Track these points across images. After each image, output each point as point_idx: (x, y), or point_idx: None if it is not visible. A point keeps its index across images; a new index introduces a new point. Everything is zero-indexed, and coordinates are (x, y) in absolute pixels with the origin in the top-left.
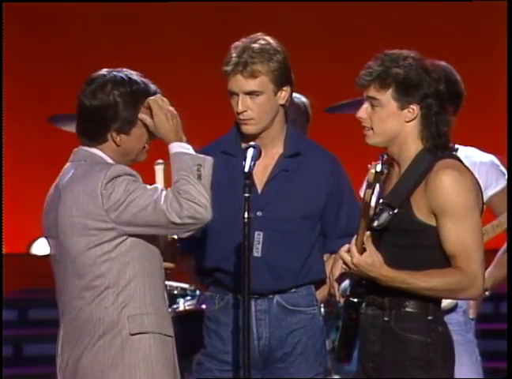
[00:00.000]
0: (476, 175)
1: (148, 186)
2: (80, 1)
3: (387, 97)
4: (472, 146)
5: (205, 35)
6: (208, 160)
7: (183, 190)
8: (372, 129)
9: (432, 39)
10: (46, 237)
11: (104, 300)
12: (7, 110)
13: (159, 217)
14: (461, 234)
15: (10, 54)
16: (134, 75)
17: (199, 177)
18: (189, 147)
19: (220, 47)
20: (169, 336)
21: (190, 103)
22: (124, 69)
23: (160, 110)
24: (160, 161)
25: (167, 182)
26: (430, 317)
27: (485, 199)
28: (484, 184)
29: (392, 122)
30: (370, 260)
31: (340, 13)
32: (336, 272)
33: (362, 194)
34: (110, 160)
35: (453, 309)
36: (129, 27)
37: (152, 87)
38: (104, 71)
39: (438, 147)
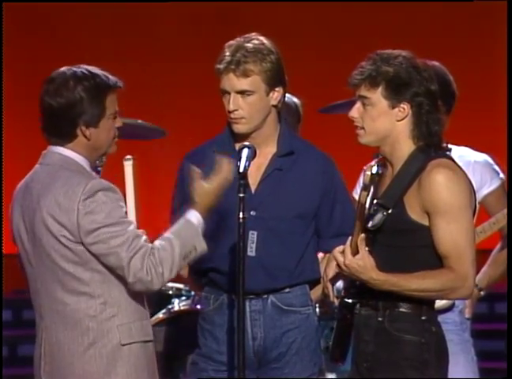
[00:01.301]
0: (471, 175)
1: (126, 220)
2: (80, 2)
3: (377, 96)
4: (471, 146)
5: (204, 35)
6: (203, 248)
7: (160, 257)
8: (364, 128)
9: (432, 39)
10: (16, 238)
11: (91, 309)
12: (7, 110)
13: (117, 266)
14: (453, 233)
15: (10, 54)
16: (94, 69)
17: (185, 257)
18: (201, 221)
19: (219, 47)
20: (150, 341)
21: (190, 102)
22: (82, 65)
23: (221, 182)
24: (128, 157)
25: (136, 178)
26: (424, 317)
27: (479, 198)
28: (479, 183)
29: (383, 121)
30: (362, 262)
31: (335, 14)
32: (330, 273)
33: (355, 195)
34: (84, 161)
35: (449, 308)
36: (129, 27)
37: (113, 79)
38: (63, 68)
39: (430, 146)
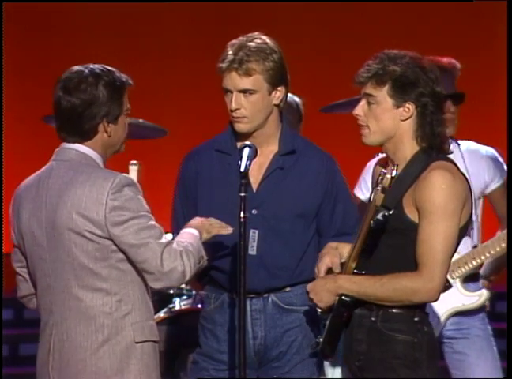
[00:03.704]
0: (484, 168)
1: (152, 215)
2: (80, 1)
3: (383, 94)
4: None
5: (205, 35)
6: (205, 260)
7: (188, 249)
8: (368, 126)
9: (432, 39)
10: (25, 234)
11: (107, 306)
12: (6, 110)
13: (148, 257)
14: (432, 234)
15: (10, 54)
16: (107, 66)
17: (196, 264)
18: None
19: (219, 47)
20: (158, 342)
21: (190, 102)
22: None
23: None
24: (134, 162)
25: (140, 183)
26: (416, 318)
27: (487, 192)
28: (491, 177)
29: (387, 120)
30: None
31: (336, 13)
32: (322, 269)
33: (358, 194)
34: (98, 159)
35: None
36: (129, 27)
37: (124, 76)
38: (77, 67)
39: (433, 148)
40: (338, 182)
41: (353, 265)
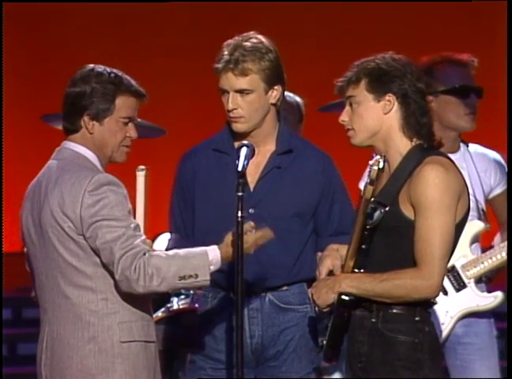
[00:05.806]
0: (492, 172)
1: (127, 218)
2: (80, 1)
3: (361, 90)
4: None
5: (205, 35)
6: (205, 279)
7: (154, 262)
8: (353, 128)
9: (432, 39)
10: (25, 234)
11: (93, 304)
12: (6, 110)
13: (108, 261)
14: (428, 230)
15: (9, 54)
16: (122, 74)
17: (181, 278)
18: (218, 260)
19: (219, 47)
20: (152, 342)
21: (189, 102)
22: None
23: (249, 247)
24: (142, 167)
25: (148, 188)
26: (417, 318)
27: (491, 196)
28: (497, 181)
29: (370, 116)
30: (317, 294)
31: (335, 13)
32: (324, 271)
33: (360, 186)
34: (94, 158)
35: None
36: (128, 27)
37: (136, 86)
38: (91, 65)
39: (422, 139)
40: (335, 182)
41: (351, 263)
